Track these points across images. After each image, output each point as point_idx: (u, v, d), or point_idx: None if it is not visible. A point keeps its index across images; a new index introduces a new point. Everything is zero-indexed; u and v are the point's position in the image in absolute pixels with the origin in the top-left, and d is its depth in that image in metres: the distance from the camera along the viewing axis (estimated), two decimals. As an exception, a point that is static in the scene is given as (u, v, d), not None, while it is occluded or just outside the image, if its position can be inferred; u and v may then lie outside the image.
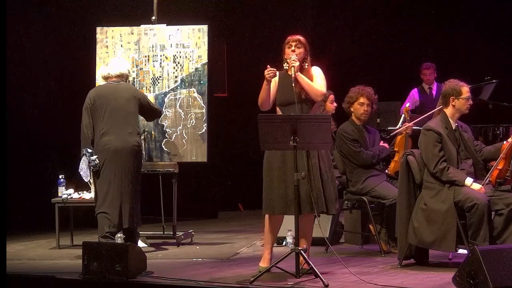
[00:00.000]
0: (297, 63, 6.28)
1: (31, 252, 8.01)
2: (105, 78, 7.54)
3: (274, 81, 6.39)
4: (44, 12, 10.16)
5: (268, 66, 6.23)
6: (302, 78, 6.31)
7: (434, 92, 10.25)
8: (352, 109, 7.52)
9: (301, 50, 6.38)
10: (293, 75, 6.24)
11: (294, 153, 5.98)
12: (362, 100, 7.46)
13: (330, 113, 8.04)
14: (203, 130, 8.06)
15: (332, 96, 8.17)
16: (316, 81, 6.37)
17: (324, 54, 11.08)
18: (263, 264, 6.33)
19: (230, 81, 11.15)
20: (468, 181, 6.33)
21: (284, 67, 6.39)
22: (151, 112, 7.63)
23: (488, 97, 9.43)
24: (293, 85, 6.22)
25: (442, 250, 6.45)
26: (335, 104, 8.11)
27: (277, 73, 6.36)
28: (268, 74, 6.21)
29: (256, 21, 11.22)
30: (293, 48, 6.37)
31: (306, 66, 6.40)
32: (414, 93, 10.27)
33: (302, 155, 6.17)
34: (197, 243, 8.26)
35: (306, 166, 6.19)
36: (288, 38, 6.43)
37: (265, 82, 6.27)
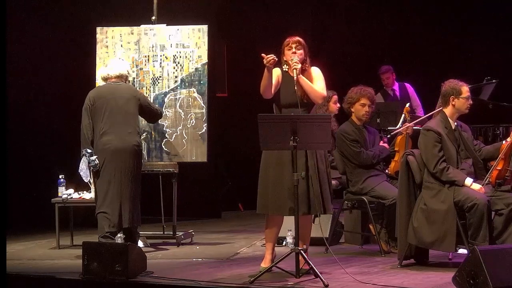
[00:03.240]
0: (299, 65, 6.25)
1: (31, 252, 8.01)
2: (105, 79, 7.54)
3: (277, 77, 6.32)
4: (44, 12, 10.15)
5: (263, 54, 6.14)
6: (304, 80, 6.29)
7: (397, 94, 10.27)
8: (353, 110, 7.51)
9: (301, 51, 6.35)
10: (295, 77, 6.23)
11: (294, 153, 5.98)
12: (363, 101, 7.46)
13: (333, 113, 8.06)
14: (203, 130, 8.06)
15: (335, 97, 8.19)
16: (317, 83, 6.35)
17: (324, 54, 11.10)
18: (264, 264, 6.34)
19: (230, 81, 11.15)
20: (468, 181, 6.33)
21: (284, 69, 6.36)
22: (151, 113, 7.63)
23: (488, 97, 9.43)
24: (295, 88, 6.19)
25: (442, 250, 6.45)
26: (338, 105, 8.12)
27: (279, 70, 6.33)
28: (267, 60, 6.07)
29: (256, 21, 11.22)
30: (293, 50, 6.34)
31: (306, 67, 6.40)
32: (378, 98, 10.27)
33: (301, 155, 6.15)
34: (197, 243, 8.26)
35: (304, 166, 6.18)
36: (287, 40, 6.38)
37: (266, 70, 6.14)
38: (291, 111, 6.21)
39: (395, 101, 9.94)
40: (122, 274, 6.00)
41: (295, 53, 6.32)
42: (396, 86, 10.33)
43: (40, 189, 9.26)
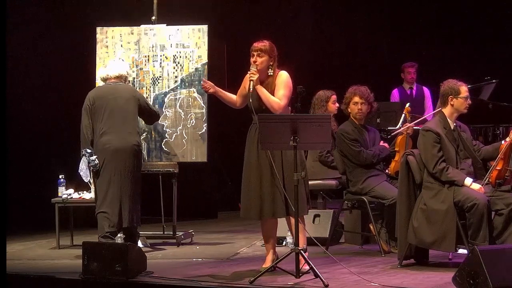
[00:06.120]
0: (256, 76, 6.29)
1: (31, 252, 8.02)
2: (104, 79, 7.55)
3: (244, 86, 6.44)
4: (44, 12, 10.15)
5: (203, 79, 6.32)
6: (261, 91, 6.32)
7: (414, 93, 10.28)
8: (349, 109, 7.53)
9: (264, 58, 6.34)
10: (251, 89, 6.28)
11: (295, 153, 5.99)
12: (356, 99, 7.46)
13: (332, 113, 8.06)
14: (203, 130, 8.06)
15: (334, 97, 8.18)
16: (278, 91, 6.33)
17: (325, 55, 11.11)
18: (265, 265, 6.35)
19: (230, 81, 11.14)
20: (468, 181, 6.33)
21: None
22: (150, 113, 7.62)
23: (488, 97, 9.43)
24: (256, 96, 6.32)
25: (442, 250, 6.45)
26: (337, 105, 8.11)
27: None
28: (204, 88, 6.50)
29: (256, 21, 11.21)
30: (255, 57, 6.35)
31: (271, 73, 6.37)
32: (395, 93, 10.30)
33: (267, 156, 6.20)
34: (197, 243, 8.27)
35: (269, 168, 6.21)
36: (252, 46, 6.39)
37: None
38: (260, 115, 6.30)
39: (395, 102, 9.95)
40: (122, 274, 6.00)
41: (255, 61, 6.33)
42: (415, 86, 10.35)
43: (40, 189, 9.25)
